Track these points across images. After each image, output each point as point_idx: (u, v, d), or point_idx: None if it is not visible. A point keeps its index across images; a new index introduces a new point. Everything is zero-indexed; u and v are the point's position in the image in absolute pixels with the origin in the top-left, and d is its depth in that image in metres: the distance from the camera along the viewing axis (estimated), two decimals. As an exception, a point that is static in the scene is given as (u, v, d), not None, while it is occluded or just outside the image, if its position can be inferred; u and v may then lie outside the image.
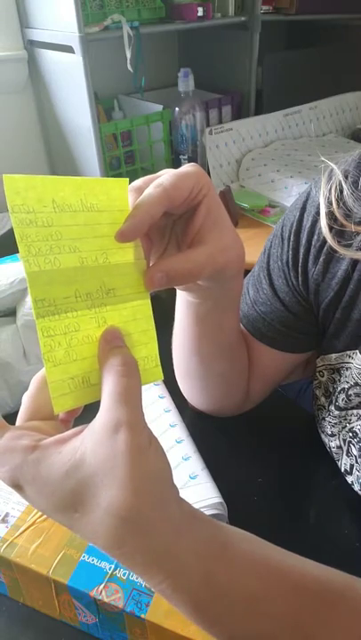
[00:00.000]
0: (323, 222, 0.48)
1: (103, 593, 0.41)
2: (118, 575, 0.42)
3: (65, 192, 0.31)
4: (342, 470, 0.55)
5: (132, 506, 0.27)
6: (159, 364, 0.36)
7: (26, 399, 0.34)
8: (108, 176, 1.35)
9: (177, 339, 0.53)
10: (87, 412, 0.33)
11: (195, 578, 0.28)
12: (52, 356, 0.30)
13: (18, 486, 0.29)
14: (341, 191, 0.46)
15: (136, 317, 0.35)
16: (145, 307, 0.35)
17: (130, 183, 0.36)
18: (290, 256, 0.51)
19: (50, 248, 0.31)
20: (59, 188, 0.31)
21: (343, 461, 0.55)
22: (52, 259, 0.30)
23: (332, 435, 0.55)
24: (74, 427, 0.31)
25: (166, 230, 0.41)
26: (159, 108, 1.40)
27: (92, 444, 0.28)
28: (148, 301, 0.36)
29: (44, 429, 0.32)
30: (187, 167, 0.37)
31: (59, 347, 0.30)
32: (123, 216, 0.34)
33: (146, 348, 0.35)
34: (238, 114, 1.55)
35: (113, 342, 0.32)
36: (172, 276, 0.35)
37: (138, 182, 0.37)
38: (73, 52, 1.17)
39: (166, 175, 0.36)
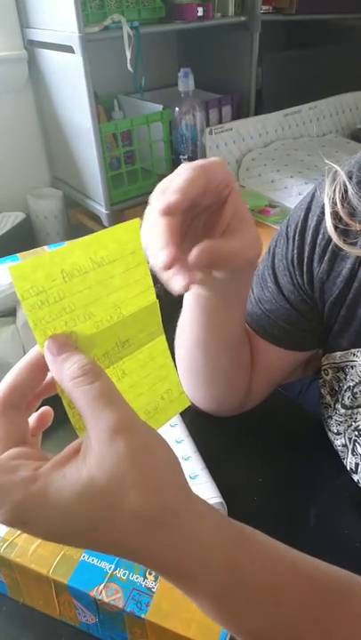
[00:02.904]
0: (328, 222, 0.48)
1: (103, 593, 0.41)
2: (118, 575, 0.42)
3: (74, 257, 0.30)
4: (348, 469, 0.55)
5: (155, 503, 0.27)
6: (183, 391, 0.36)
7: None
8: (108, 176, 1.35)
9: (183, 333, 0.54)
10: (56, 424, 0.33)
11: (219, 565, 0.28)
12: (81, 424, 0.29)
13: (23, 523, 0.27)
14: (346, 191, 0.47)
15: (153, 356, 0.35)
16: (159, 343, 0.35)
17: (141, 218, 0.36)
18: (295, 255, 0.52)
19: (65, 323, 0.30)
20: (67, 255, 0.30)
21: (349, 460, 0.55)
22: (68, 334, 0.30)
23: (338, 433, 0.56)
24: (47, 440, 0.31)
25: (183, 227, 0.41)
26: (159, 107, 1.40)
27: (94, 459, 0.27)
28: (163, 337, 0.35)
29: (30, 454, 0.29)
30: (212, 159, 0.37)
31: None
32: (135, 259, 0.33)
33: (167, 381, 0.35)
34: (238, 114, 1.55)
35: (61, 352, 0.30)
36: (215, 257, 0.36)
37: (165, 184, 0.37)
38: (73, 52, 1.17)
39: (198, 161, 0.36)
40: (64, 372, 0.29)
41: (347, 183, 0.47)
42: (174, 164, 1.43)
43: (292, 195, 1.32)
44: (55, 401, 0.32)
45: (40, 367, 0.31)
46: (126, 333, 0.33)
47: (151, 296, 0.34)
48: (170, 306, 0.52)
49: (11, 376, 0.31)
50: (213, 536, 0.29)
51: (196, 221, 0.40)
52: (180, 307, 0.51)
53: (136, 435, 0.28)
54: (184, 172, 0.35)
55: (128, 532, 0.27)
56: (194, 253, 0.35)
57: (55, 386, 0.31)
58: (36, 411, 0.34)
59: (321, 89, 1.66)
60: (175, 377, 0.36)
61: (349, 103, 1.74)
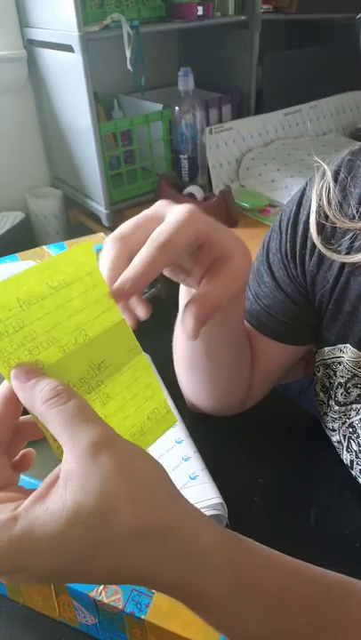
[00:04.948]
0: (312, 222, 0.49)
1: (103, 594, 0.41)
2: (118, 576, 0.42)
3: (29, 284, 0.30)
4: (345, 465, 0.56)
5: (150, 515, 0.26)
6: (170, 409, 0.36)
7: None
8: (107, 175, 1.35)
9: (182, 332, 0.54)
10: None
11: (222, 571, 0.28)
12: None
13: (15, 570, 0.25)
14: (331, 190, 0.48)
15: (136, 376, 0.34)
16: (140, 362, 0.35)
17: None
18: (288, 248, 0.53)
19: (29, 351, 0.29)
20: (21, 282, 0.30)
21: (344, 456, 0.55)
22: (34, 362, 0.30)
23: (333, 430, 0.56)
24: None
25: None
26: (159, 107, 1.40)
27: (76, 482, 0.25)
28: (142, 355, 0.35)
29: (9, 497, 0.28)
30: (183, 215, 0.35)
31: None
32: (92, 279, 0.32)
33: (153, 401, 0.35)
34: (238, 113, 1.55)
35: (30, 378, 0.29)
36: (202, 319, 0.35)
37: (124, 230, 0.35)
38: (72, 52, 1.17)
39: (161, 229, 0.34)
40: (35, 396, 0.28)
41: (331, 184, 0.48)
42: (174, 163, 1.43)
43: (293, 194, 1.32)
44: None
45: (12, 401, 0.30)
46: (99, 355, 0.32)
47: (116, 315, 0.33)
48: (170, 306, 0.52)
49: None
50: (213, 542, 0.28)
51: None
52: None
53: (118, 448, 0.27)
54: (143, 259, 0.33)
55: (127, 552, 0.25)
56: (189, 328, 0.35)
57: (40, 430, 0.30)
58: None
59: (321, 88, 1.66)
60: (161, 395, 0.36)
61: (350, 102, 1.74)
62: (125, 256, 0.34)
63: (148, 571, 0.26)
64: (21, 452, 0.33)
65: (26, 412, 0.31)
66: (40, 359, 0.30)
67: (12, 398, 0.30)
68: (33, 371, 0.29)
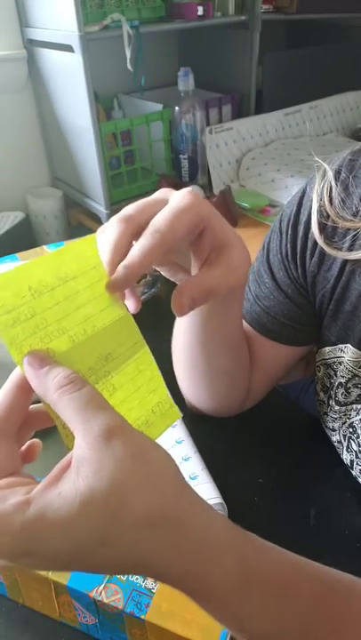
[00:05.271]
0: (314, 222, 0.49)
1: (103, 594, 0.41)
2: (118, 576, 0.42)
3: (38, 273, 0.30)
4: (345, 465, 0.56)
5: (161, 504, 0.26)
6: (173, 403, 0.36)
7: None
8: (107, 175, 1.35)
9: (181, 335, 0.54)
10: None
11: (231, 565, 0.27)
12: (73, 444, 0.29)
13: (25, 554, 0.25)
14: (332, 190, 0.48)
15: (140, 369, 0.35)
16: (145, 355, 0.35)
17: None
18: (288, 249, 0.53)
19: (40, 339, 0.30)
20: (32, 271, 0.30)
21: (344, 457, 0.55)
22: (45, 350, 0.30)
23: (333, 430, 0.56)
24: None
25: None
26: (159, 107, 1.40)
27: (89, 467, 0.25)
28: (146, 349, 0.35)
29: (20, 482, 0.28)
30: (183, 199, 0.35)
31: None
32: (97, 272, 0.33)
33: (156, 394, 0.35)
34: (238, 113, 1.55)
35: (43, 365, 0.29)
36: (195, 299, 0.36)
37: (129, 211, 0.35)
38: (73, 52, 1.17)
39: (161, 215, 0.34)
40: (48, 383, 0.28)
41: (332, 184, 0.48)
42: (174, 163, 1.43)
43: (293, 194, 1.32)
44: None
45: (23, 388, 0.30)
46: (106, 347, 0.33)
47: (121, 308, 0.34)
48: (170, 306, 0.52)
49: None
50: (223, 536, 0.28)
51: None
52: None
53: (131, 436, 0.27)
54: (142, 247, 0.33)
55: (137, 540, 0.25)
56: (178, 303, 0.35)
57: (50, 418, 0.30)
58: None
59: (321, 88, 1.66)
60: (164, 389, 0.36)
61: (350, 102, 1.74)
62: (129, 237, 0.34)
63: (157, 560, 0.26)
64: (28, 443, 0.33)
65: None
66: (51, 347, 0.30)
67: (24, 386, 0.30)
68: (46, 358, 0.29)
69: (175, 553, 0.26)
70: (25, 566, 0.26)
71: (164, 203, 0.35)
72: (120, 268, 0.33)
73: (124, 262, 0.33)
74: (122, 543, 0.25)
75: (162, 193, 0.37)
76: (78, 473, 0.25)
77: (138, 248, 0.33)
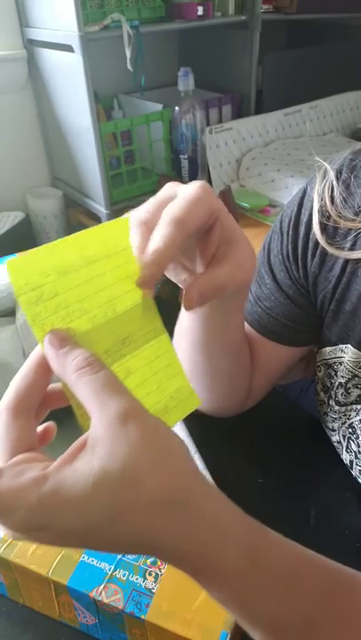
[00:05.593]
0: (315, 222, 0.49)
1: (103, 594, 0.41)
2: (118, 576, 0.42)
3: (65, 253, 0.30)
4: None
5: (173, 486, 0.26)
6: (193, 391, 0.36)
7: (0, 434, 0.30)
8: (107, 175, 1.35)
9: (182, 337, 0.54)
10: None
11: (240, 550, 0.28)
12: (89, 424, 0.29)
13: (39, 528, 0.26)
14: (334, 190, 0.48)
15: (158, 355, 0.35)
16: (163, 341, 0.35)
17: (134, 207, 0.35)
18: (290, 249, 0.53)
19: (62, 319, 0.30)
20: (59, 251, 0.30)
21: (343, 457, 0.55)
22: (65, 330, 0.30)
23: (333, 430, 0.56)
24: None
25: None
26: (159, 107, 1.40)
27: (104, 448, 0.26)
28: (166, 335, 0.35)
29: (37, 458, 0.28)
30: (196, 190, 0.35)
31: None
32: (125, 255, 0.33)
33: (176, 381, 0.35)
34: (238, 113, 1.55)
35: (63, 345, 0.29)
36: (205, 295, 0.35)
37: (143, 215, 0.35)
38: (73, 52, 1.17)
39: (177, 205, 0.34)
40: (68, 363, 0.29)
41: (334, 183, 0.48)
42: (174, 163, 1.43)
43: (293, 194, 1.32)
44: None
45: (44, 367, 0.31)
46: (124, 330, 0.33)
47: (144, 292, 0.34)
48: (171, 307, 0.52)
49: (17, 380, 0.31)
50: (234, 520, 0.28)
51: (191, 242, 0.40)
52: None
53: (146, 419, 0.27)
54: (162, 237, 0.33)
55: (147, 520, 0.26)
56: (188, 298, 0.35)
57: (65, 398, 0.30)
58: (41, 423, 0.33)
59: (321, 88, 1.66)
60: (184, 376, 0.36)
61: (350, 102, 1.74)
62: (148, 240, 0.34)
63: (167, 541, 0.26)
64: (44, 426, 0.34)
65: None
66: (71, 327, 0.30)
67: (44, 365, 0.31)
68: (66, 338, 0.30)
69: (186, 533, 0.27)
70: (37, 541, 0.27)
71: (174, 198, 0.35)
72: (146, 265, 0.32)
73: (150, 257, 0.32)
74: (133, 522, 0.26)
75: (169, 189, 0.37)
76: (93, 453, 0.26)
77: (159, 239, 0.33)
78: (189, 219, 0.33)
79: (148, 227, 0.34)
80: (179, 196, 0.35)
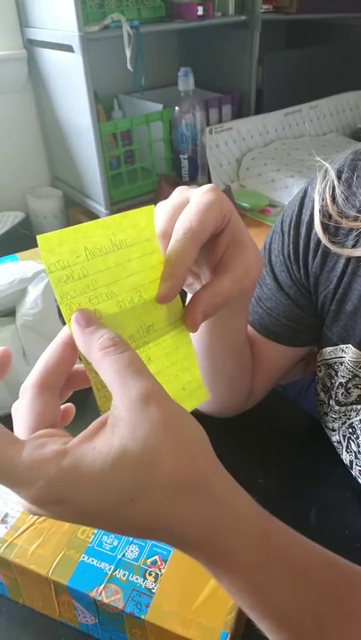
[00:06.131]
0: (317, 221, 0.49)
1: (103, 594, 0.41)
2: (118, 576, 0.42)
3: (95, 236, 0.31)
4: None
5: (191, 470, 0.26)
6: (202, 384, 0.37)
7: (24, 409, 0.30)
8: (107, 175, 1.35)
9: None
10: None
11: (255, 538, 0.28)
12: (108, 406, 0.29)
13: (56, 502, 0.26)
14: (335, 189, 0.48)
15: (177, 345, 0.35)
16: (183, 332, 0.36)
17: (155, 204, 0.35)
18: (291, 250, 0.53)
19: (89, 300, 0.30)
20: (90, 233, 0.30)
21: (343, 457, 0.55)
22: (92, 311, 0.30)
23: (333, 430, 0.56)
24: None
25: None
26: (159, 107, 1.40)
27: (125, 428, 0.26)
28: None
29: (58, 434, 0.29)
30: (208, 195, 0.35)
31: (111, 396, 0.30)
32: (150, 245, 0.33)
33: (189, 372, 0.36)
34: (238, 113, 1.55)
35: (90, 325, 0.30)
36: (208, 313, 0.35)
37: (163, 225, 0.35)
38: (73, 52, 1.17)
39: (190, 214, 0.34)
40: (93, 342, 0.29)
41: (335, 182, 0.48)
42: (174, 163, 1.43)
43: (293, 194, 1.32)
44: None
45: (71, 345, 0.31)
46: (150, 318, 0.33)
47: None
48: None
49: (45, 357, 0.32)
50: (249, 509, 0.28)
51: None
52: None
53: (167, 403, 0.27)
54: (179, 248, 0.33)
55: (165, 501, 0.26)
56: (190, 319, 0.35)
57: (87, 380, 0.31)
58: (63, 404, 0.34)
59: (321, 88, 1.66)
60: (196, 369, 0.36)
61: (350, 102, 1.74)
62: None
63: (182, 525, 0.27)
64: (64, 405, 0.34)
65: None
66: (99, 309, 0.31)
67: (71, 344, 0.31)
68: (93, 318, 0.30)
69: (200, 517, 0.27)
70: (51, 515, 0.27)
71: (187, 204, 0.35)
72: (164, 279, 0.33)
73: (168, 271, 0.33)
74: (149, 502, 0.26)
75: (181, 194, 0.36)
76: (113, 432, 0.26)
77: (175, 249, 0.33)
78: (204, 228, 0.34)
79: (167, 239, 0.34)
80: (192, 201, 0.35)
